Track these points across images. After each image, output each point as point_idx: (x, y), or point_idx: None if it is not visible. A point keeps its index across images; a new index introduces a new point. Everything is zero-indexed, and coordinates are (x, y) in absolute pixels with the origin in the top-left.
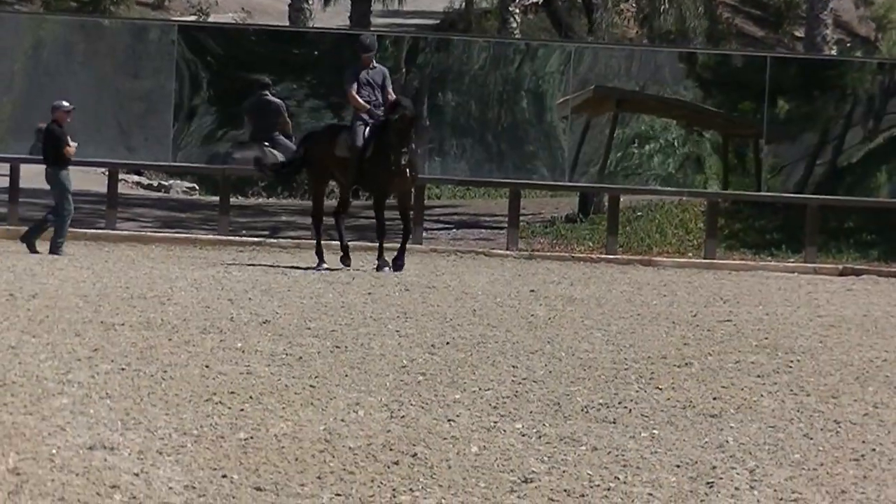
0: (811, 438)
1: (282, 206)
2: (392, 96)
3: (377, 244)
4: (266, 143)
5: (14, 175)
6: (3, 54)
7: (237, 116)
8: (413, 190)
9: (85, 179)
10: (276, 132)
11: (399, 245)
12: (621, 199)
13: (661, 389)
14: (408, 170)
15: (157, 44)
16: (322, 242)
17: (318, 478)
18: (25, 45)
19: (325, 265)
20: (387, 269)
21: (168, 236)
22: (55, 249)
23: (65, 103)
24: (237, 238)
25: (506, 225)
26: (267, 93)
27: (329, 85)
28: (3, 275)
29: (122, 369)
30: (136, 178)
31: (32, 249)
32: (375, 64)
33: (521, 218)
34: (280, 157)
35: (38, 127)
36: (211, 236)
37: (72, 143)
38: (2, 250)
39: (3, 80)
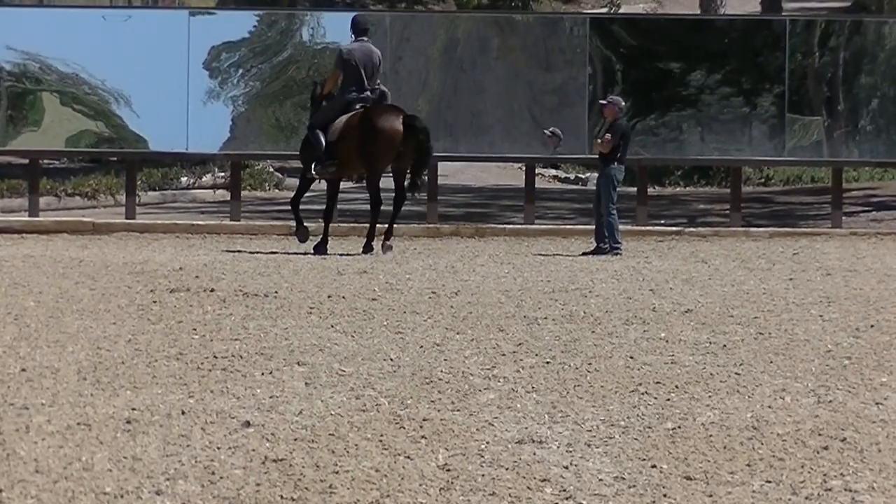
0: None
1: (698, 194)
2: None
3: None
4: None
5: (431, 174)
6: (418, 53)
7: (649, 107)
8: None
9: (502, 175)
10: None
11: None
12: None
13: None
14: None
15: (569, 37)
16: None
17: (748, 465)
18: (439, 43)
19: None
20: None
21: (585, 229)
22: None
23: (603, 101)
24: (655, 227)
25: None
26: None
27: (741, 72)
28: (426, 273)
29: (547, 363)
30: (552, 171)
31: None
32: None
33: None
34: None
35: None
36: (628, 227)
37: (600, 139)
38: (424, 248)
39: (417, 79)
